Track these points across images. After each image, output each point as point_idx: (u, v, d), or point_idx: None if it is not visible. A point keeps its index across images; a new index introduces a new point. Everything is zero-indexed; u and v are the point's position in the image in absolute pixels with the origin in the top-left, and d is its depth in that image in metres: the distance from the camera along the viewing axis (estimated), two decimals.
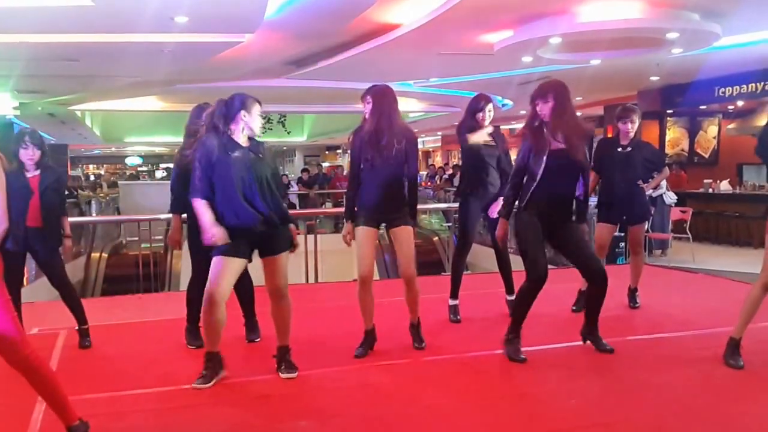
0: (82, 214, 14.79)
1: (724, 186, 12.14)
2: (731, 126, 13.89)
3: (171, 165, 16.06)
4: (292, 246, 3.79)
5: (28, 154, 4.27)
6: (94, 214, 16.11)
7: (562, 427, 3.18)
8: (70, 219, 4.78)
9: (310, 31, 8.44)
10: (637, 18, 7.27)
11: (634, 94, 13.57)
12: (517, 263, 4.43)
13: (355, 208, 4.15)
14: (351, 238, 4.14)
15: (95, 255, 10.67)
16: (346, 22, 7.96)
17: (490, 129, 4.79)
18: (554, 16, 7.46)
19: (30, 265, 5.66)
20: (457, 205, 5.41)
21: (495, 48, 8.53)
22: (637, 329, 4.87)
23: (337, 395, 3.61)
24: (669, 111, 13.94)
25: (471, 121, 4.78)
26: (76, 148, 28.10)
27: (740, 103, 12.81)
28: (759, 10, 7.38)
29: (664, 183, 9.51)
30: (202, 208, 3.58)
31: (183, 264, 8.89)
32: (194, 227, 3.85)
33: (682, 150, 14.45)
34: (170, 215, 4.52)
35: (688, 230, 10.17)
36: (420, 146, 26.08)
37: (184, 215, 4.37)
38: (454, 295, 5.01)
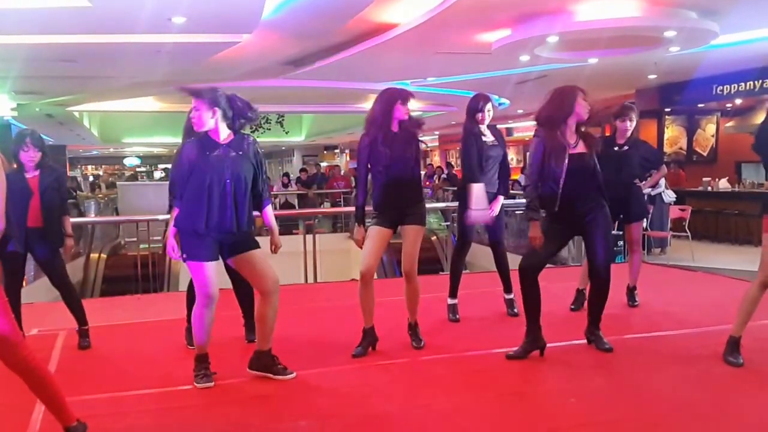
0: (81, 214, 14.78)
1: (723, 184, 12.14)
2: (729, 124, 13.89)
3: (169, 165, 16.05)
4: (272, 246, 3.78)
5: (29, 156, 4.27)
6: (92, 215, 16.10)
7: (561, 426, 3.18)
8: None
9: (308, 31, 8.43)
10: (635, 16, 7.28)
11: (632, 93, 13.57)
12: (514, 262, 4.43)
13: (365, 209, 4.18)
14: (363, 242, 4.14)
15: (94, 256, 10.65)
16: (343, 21, 7.95)
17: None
18: (552, 15, 7.46)
19: (29, 266, 5.65)
20: (455, 204, 5.42)
21: (493, 47, 8.53)
22: (636, 328, 4.87)
23: (336, 395, 3.61)
24: (667, 109, 13.94)
25: (470, 122, 4.79)
26: (74, 149, 28.06)
27: (738, 101, 12.81)
28: (756, 7, 7.39)
29: (662, 181, 9.51)
30: (171, 218, 3.62)
31: (182, 265, 8.86)
32: None
33: (681, 148, 14.46)
34: (168, 216, 4.51)
35: (687, 228, 10.18)
36: None
37: None
38: (453, 294, 5.01)
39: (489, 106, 4.78)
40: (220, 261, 3.66)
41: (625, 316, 5.11)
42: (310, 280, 7.45)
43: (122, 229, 12.33)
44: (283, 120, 20.69)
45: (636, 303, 5.31)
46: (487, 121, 4.78)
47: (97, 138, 22.42)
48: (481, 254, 7.07)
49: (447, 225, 9.27)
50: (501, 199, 4.87)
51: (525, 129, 19.28)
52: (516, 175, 17.29)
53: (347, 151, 29.39)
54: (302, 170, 19.27)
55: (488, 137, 4.78)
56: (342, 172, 20.01)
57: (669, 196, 10.34)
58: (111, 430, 3.16)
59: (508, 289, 5.04)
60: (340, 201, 16.56)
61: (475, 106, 4.76)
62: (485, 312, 5.17)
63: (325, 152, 31.28)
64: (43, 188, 4.28)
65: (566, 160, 3.89)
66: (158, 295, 7.41)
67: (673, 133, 14.45)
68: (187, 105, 3.77)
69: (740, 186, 12.35)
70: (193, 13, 6.98)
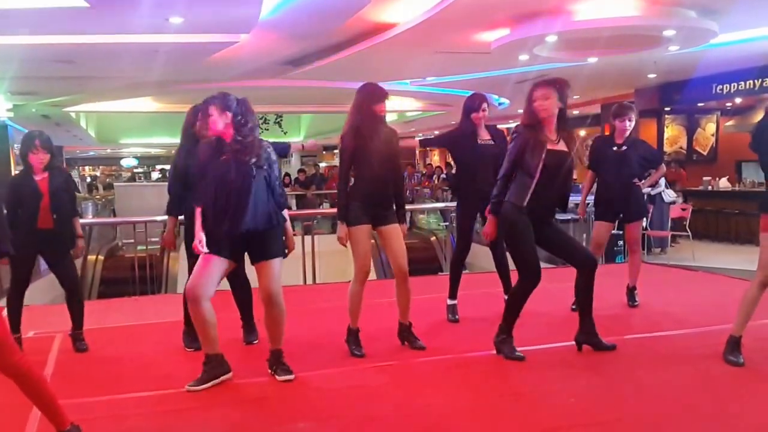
0: (79, 216, 14.71)
1: (723, 183, 12.14)
2: (729, 123, 13.88)
3: (167, 166, 16.00)
4: (286, 250, 3.78)
5: (38, 158, 4.26)
6: (90, 216, 16.05)
7: (560, 426, 3.16)
8: None
9: (306, 31, 8.41)
10: (634, 16, 7.26)
11: (631, 92, 13.56)
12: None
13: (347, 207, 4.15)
14: (347, 239, 4.12)
15: (91, 257, 10.59)
16: (341, 21, 7.93)
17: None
18: (551, 15, 7.44)
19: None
20: (454, 204, 5.40)
21: (492, 46, 8.51)
22: (636, 328, 4.85)
23: (334, 396, 3.60)
24: (667, 109, 13.93)
25: (467, 121, 4.76)
26: (71, 149, 27.99)
27: (738, 100, 12.81)
28: (756, 6, 7.38)
29: (662, 181, 9.50)
30: (197, 215, 3.62)
31: (180, 266, 8.85)
32: (191, 229, 3.84)
33: (681, 148, 14.46)
34: (166, 217, 4.49)
35: (687, 228, 10.17)
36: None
37: (181, 217, 4.36)
38: (452, 295, 4.99)
39: (485, 105, 4.76)
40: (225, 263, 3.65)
41: (625, 316, 5.10)
42: (309, 281, 7.43)
43: (119, 231, 12.30)
44: (281, 120, 20.69)
45: (636, 303, 5.30)
46: (483, 121, 4.76)
47: (93, 139, 22.37)
48: (481, 254, 7.05)
49: (446, 225, 9.24)
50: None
51: None
52: None
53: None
54: (300, 171, 19.24)
55: (484, 136, 4.76)
56: None
57: (669, 195, 10.33)
58: None
59: (507, 289, 5.01)
60: None
61: (471, 106, 4.75)
62: (485, 313, 5.14)
63: (324, 152, 31.26)
64: (53, 190, 4.27)
65: (543, 154, 3.86)
66: (156, 297, 7.39)
67: (673, 133, 14.44)
68: (185, 105, 3.77)
69: (740, 185, 12.35)
70: (191, 13, 6.95)
